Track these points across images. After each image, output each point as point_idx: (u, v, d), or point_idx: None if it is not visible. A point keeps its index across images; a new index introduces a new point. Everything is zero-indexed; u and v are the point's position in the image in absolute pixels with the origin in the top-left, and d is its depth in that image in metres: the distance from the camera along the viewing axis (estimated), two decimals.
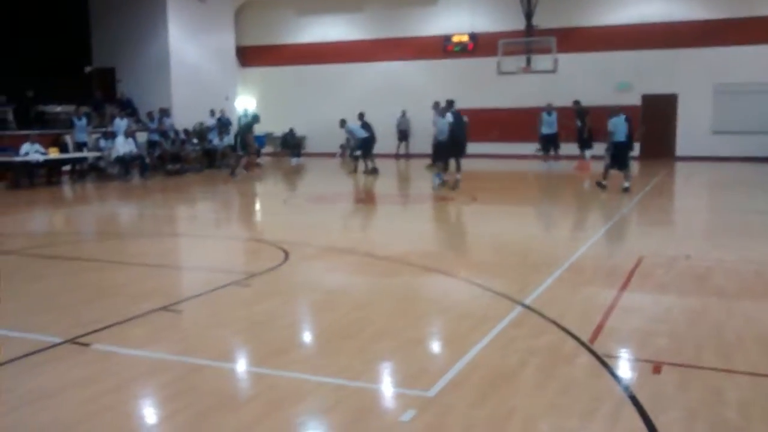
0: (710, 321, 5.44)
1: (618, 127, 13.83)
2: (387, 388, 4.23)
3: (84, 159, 18.21)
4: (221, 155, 21.20)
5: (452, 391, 4.06)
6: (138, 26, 22.09)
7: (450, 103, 15.72)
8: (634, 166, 20.14)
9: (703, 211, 12.81)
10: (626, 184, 13.73)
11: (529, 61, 22.08)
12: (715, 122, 22.67)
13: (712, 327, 5.26)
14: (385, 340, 5.06)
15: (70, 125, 18.40)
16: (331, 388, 4.16)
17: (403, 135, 25.23)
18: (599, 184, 14.18)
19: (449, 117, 15.10)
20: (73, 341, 4.99)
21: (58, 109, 19.79)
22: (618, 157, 13.91)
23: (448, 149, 15.10)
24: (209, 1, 23.42)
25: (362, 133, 18.70)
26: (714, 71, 22.29)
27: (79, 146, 18.14)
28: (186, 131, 20.92)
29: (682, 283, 6.75)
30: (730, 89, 22.22)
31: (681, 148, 23.18)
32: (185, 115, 21.60)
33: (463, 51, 25.07)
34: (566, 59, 21.77)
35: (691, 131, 22.90)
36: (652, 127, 22.68)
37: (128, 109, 21.32)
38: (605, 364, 4.49)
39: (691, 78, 22.59)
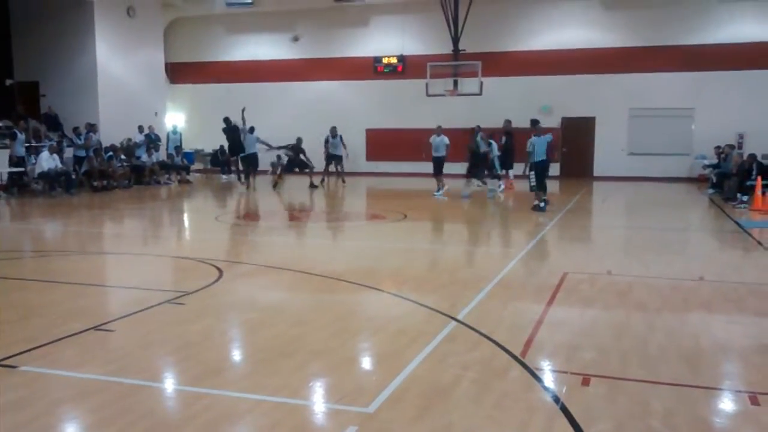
0: (634, 334, 5.71)
1: (537, 147, 13.96)
2: (327, 405, 4.26)
3: (22, 173, 17.86)
4: (149, 171, 20.75)
5: (392, 407, 4.14)
6: (64, 40, 21.41)
7: (534, 123, 14.88)
8: (554, 185, 20.87)
9: (622, 229, 13.37)
10: (539, 203, 14.13)
11: (456, 84, 22.58)
12: (630, 144, 23.78)
13: (636, 340, 5.53)
14: (322, 357, 5.10)
15: None
16: (270, 406, 4.17)
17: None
18: (538, 207, 14.03)
19: (545, 139, 14.26)
20: None
21: None
22: (539, 177, 14.09)
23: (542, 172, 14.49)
24: (138, 16, 22.99)
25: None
26: (629, 96, 23.41)
27: (20, 160, 17.63)
28: (113, 147, 20.41)
29: (606, 298, 7.05)
30: (644, 113, 23.38)
31: (598, 168, 24.17)
32: (113, 131, 21.08)
33: (393, 72, 25.47)
34: (491, 82, 22.38)
35: (608, 152, 23.93)
36: (572, 148, 23.61)
37: (53, 124, 20.64)
38: (536, 377, 4.68)
39: (608, 102, 23.62)
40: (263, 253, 9.78)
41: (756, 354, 5.25)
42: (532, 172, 14.17)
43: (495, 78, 22.86)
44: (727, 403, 4.34)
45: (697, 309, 6.71)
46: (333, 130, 20.86)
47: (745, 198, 15.37)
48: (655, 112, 23.26)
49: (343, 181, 21.20)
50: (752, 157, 16.93)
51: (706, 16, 22.62)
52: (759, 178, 15.19)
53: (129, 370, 4.75)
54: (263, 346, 5.40)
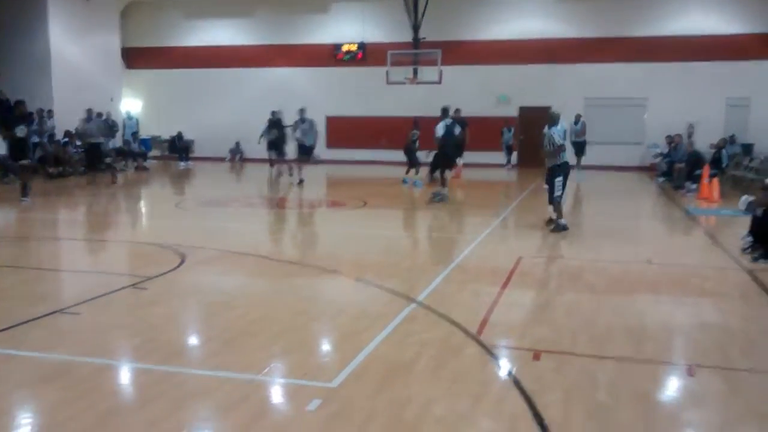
0: (583, 313, 6.03)
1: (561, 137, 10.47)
2: (292, 381, 4.44)
3: None
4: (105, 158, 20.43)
5: (354, 382, 4.35)
6: (15, 23, 20.87)
7: (444, 112, 13.99)
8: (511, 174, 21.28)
9: (576, 216, 13.74)
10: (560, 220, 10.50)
11: (416, 72, 22.78)
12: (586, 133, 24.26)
13: (585, 319, 5.83)
14: (286, 337, 5.28)
15: None
16: (237, 383, 4.34)
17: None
18: (559, 226, 10.36)
19: (440, 129, 13.63)
20: None
21: None
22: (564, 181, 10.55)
23: (437, 161, 13.85)
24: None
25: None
26: (585, 86, 23.88)
27: None
28: (68, 133, 20.07)
29: (558, 281, 7.39)
30: (600, 103, 23.90)
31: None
32: (67, 117, 20.69)
33: (353, 60, 25.52)
34: (451, 71, 22.64)
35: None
36: (529, 137, 23.97)
37: (4, 109, 20.14)
38: (491, 353, 4.93)
39: (564, 92, 24.06)
40: (225, 238, 9.84)
41: (696, 330, 5.61)
42: (559, 178, 10.35)
43: (454, 67, 23.12)
44: (665, 375, 4.66)
45: (643, 290, 7.06)
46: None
47: (693, 186, 15.94)
48: (610, 101, 23.80)
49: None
50: (723, 141, 17.72)
51: (659, 8, 23.20)
52: (706, 167, 15.76)
53: (98, 351, 4.86)
54: (228, 327, 5.54)
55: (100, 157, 17.97)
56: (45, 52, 21.02)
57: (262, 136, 18.99)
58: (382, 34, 24.96)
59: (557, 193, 10.33)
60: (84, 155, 18.35)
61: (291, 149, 18.08)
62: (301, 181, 16.94)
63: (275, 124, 18.47)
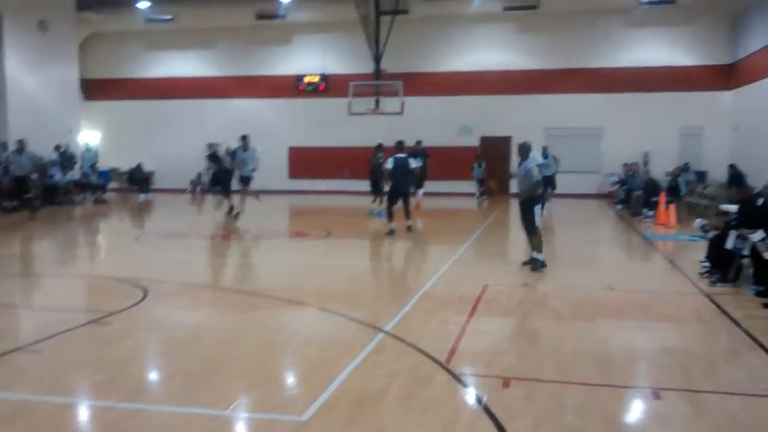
0: (549, 340, 6.09)
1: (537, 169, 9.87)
2: (261, 415, 4.38)
3: None
4: (63, 191, 20.10)
5: (324, 414, 4.30)
6: None
7: (397, 145, 14.06)
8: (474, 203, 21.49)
9: None
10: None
11: (378, 103, 22.97)
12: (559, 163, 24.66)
13: (551, 345, 5.90)
14: (253, 370, 5.21)
15: None
16: (206, 419, 4.26)
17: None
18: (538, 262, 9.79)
19: (389, 162, 13.60)
20: None
21: None
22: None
23: (392, 195, 13.68)
24: (51, 30, 22.28)
25: None
26: (544, 116, 24.37)
27: None
28: None
29: (523, 308, 7.45)
30: (558, 133, 24.36)
31: (514, 185, 24.92)
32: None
33: (315, 91, 25.67)
34: (412, 102, 22.89)
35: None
36: (489, 166, 24.24)
37: None
38: (461, 381, 4.95)
39: (523, 122, 24.51)
40: (187, 271, 9.72)
41: (660, 354, 5.71)
42: (538, 205, 10.06)
43: (416, 97, 23.37)
44: (632, 399, 4.73)
45: (607, 316, 7.17)
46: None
47: (650, 213, 16.30)
48: (568, 131, 24.29)
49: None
50: (679, 169, 18.25)
51: (613, 41, 23.92)
52: (663, 194, 16.15)
53: (61, 389, 4.74)
54: (194, 361, 5.45)
55: (24, 191, 17.56)
56: (1, 83, 20.64)
57: (208, 170, 17.79)
58: (343, 66, 25.19)
59: (538, 222, 9.89)
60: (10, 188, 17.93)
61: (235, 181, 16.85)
62: (237, 214, 15.96)
63: (213, 158, 17.12)
